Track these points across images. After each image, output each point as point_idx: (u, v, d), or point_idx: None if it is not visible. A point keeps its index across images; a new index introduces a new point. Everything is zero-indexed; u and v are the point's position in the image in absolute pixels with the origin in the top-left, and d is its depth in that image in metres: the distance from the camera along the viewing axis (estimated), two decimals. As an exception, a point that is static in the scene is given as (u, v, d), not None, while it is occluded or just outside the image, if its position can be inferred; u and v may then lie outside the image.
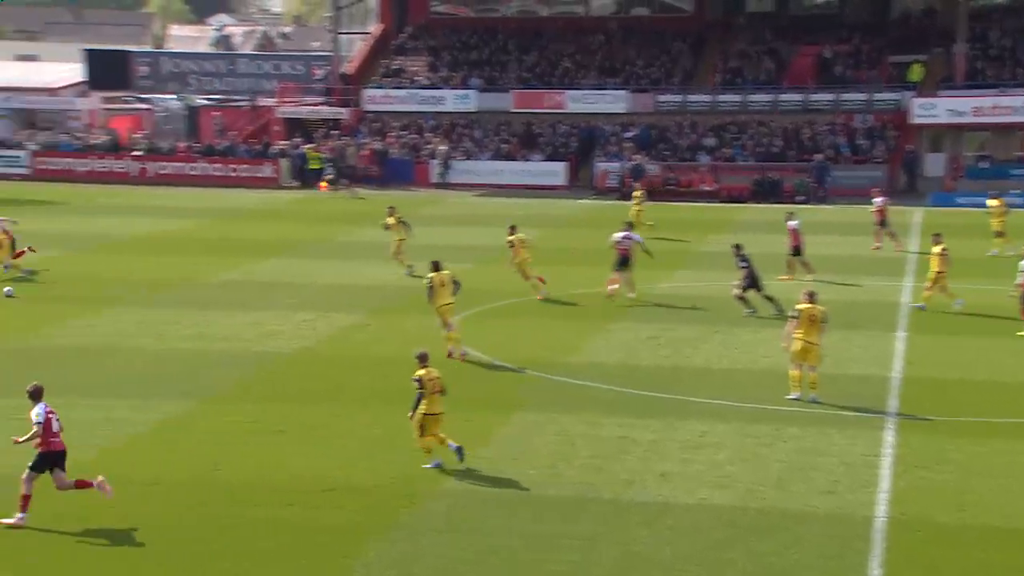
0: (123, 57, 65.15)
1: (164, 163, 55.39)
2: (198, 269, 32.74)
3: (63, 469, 15.15)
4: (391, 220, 32.45)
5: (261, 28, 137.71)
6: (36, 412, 15.00)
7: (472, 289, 29.89)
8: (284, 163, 54.90)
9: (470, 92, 58.69)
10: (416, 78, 61.40)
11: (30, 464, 15.00)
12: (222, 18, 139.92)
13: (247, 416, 19.51)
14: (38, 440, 14.99)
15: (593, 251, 36.30)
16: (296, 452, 17.76)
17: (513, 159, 55.44)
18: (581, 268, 33.73)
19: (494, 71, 60.93)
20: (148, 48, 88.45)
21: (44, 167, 55.54)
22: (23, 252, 31.91)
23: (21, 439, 15.21)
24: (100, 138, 57.57)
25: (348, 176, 52.75)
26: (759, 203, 48.23)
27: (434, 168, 54.65)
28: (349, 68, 63.20)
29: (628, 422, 19.43)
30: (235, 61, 69.21)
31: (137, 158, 55.61)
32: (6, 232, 31.83)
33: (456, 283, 23.43)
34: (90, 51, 65.58)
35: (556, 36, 62.71)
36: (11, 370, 22.05)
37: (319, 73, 63.74)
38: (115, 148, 56.48)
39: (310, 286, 30.75)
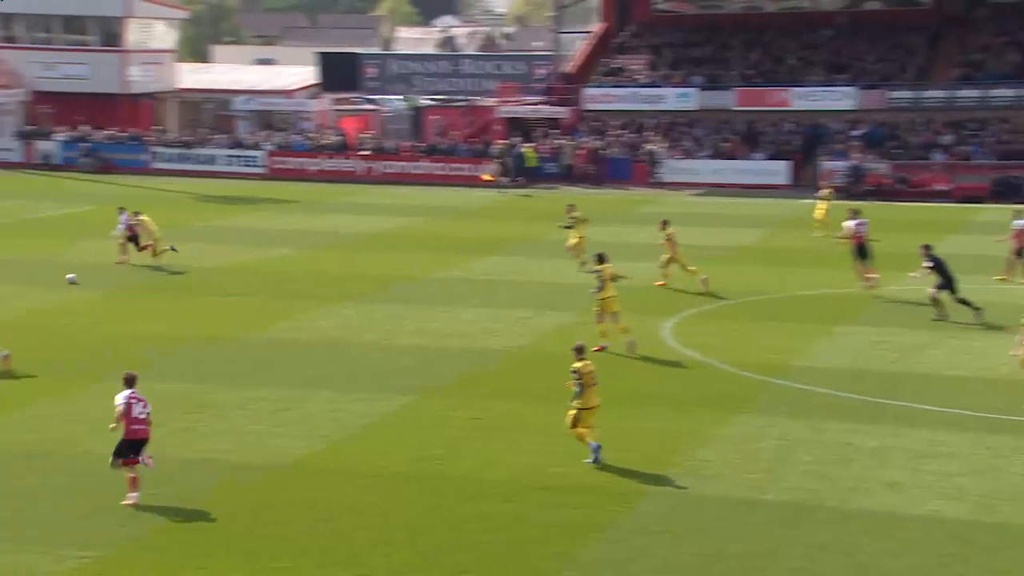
0: (353, 60, 67.30)
1: (389, 162, 56.96)
2: (421, 266, 33.49)
3: (138, 455, 15.72)
4: (574, 217, 32.92)
5: (484, 29, 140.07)
6: (119, 398, 15.78)
7: (691, 290, 29.59)
8: (504, 162, 55.60)
9: (691, 90, 58.07)
10: (636, 76, 61.17)
11: (113, 450, 15.74)
12: (447, 20, 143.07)
13: (468, 411, 19.81)
14: (120, 425, 15.72)
15: (817, 252, 35.37)
16: (515, 448, 17.92)
17: (733, 158, 54.54)
18: (805, 269, 32.91)
19: (716, 69, 60.11)
20: (376, 51, 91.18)
21: (278, 166, 57.94)
22: (149, 246, 32.82)
23: (112, 425, 15.87)
24: (330, 138, 59.68)
25: (566, 176, 53.32)
26: (998, 203, 45.92)
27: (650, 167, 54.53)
28: (570, 67, 63.51)
29: (853, 428, 18.81)
30: (458, 62, 70.56)
31: (364, 157, 57.37)
32: (132, 227, 32.82)
33: (616, 277, 23.89)
34: (323, 54, 68.06)
35: (781, 32, 61.37)
36: (247, 363, 23.07)
37: (540, 72, 64.29)
38: (344, 148, 58.44)
39: (528, 284, 31.01)
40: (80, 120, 60.50)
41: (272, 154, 58.42)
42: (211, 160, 58.61)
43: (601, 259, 23.87)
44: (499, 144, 56.20)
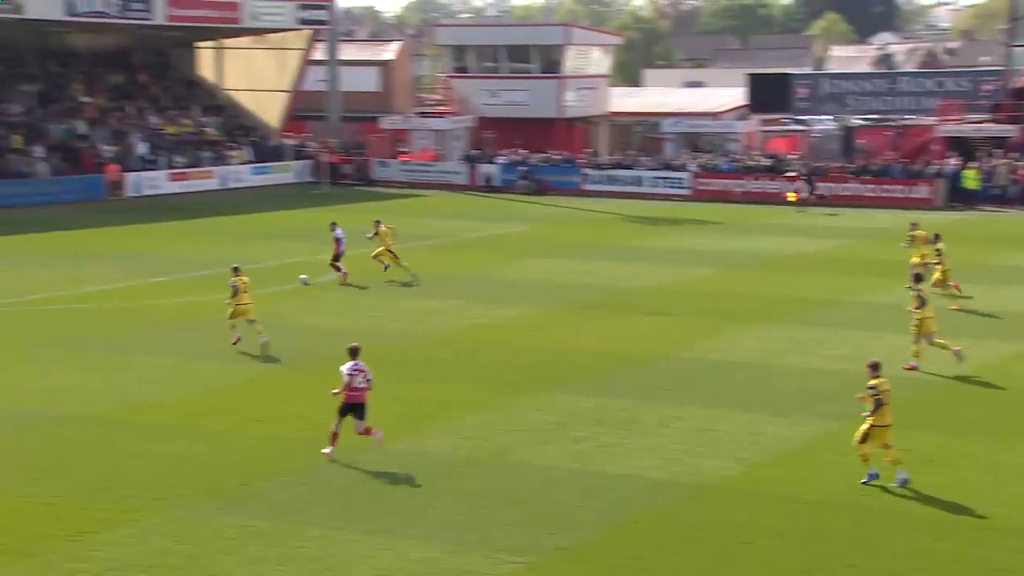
0: (784, 80, 66.50)
1: (818, 184, 55.68)
2: (845, 288, 32.55)
3: (361, 418, 17.88)
4: (916, 235, 32.54)
5: (925, 45, 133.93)
6: (344, 368, 17.73)
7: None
8: (941, 183, 52.95)
9: None
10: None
11: (338, 408, 17.87)
12: (885, 37, 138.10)
13: (896, 442, 18.93)
14: (343, 390, 17.73)
15: None
16: (948, 484, 16.93)
17: None
18: None
19: None
20: (808, 70, 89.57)
21: (703, 187, 58.26)
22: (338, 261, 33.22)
23: (335, 390, 17.89)
24: (757, 160, 59.21)
25: (1006, 197, 50.40)
26: None
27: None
28: (1022, 82, 59.35)
29: None
30: (895, 79, 67.88)
31: (791, 179, 56.47)
32: (378, 234, 33.74)
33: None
34: (752, 75, 67.76)
35: None
36: (670, 381, 23.31)
37: (987, 89, 60.59)
38: (775, 170, 57.77)
39: (962, 311, 29.23)
40: (518, 144, 63.82)
41: (697, 175, 58.84)
42: (638, 181, 59.87)
43: (918, 279, 24.48)
44: (935, 163, 53.62)
